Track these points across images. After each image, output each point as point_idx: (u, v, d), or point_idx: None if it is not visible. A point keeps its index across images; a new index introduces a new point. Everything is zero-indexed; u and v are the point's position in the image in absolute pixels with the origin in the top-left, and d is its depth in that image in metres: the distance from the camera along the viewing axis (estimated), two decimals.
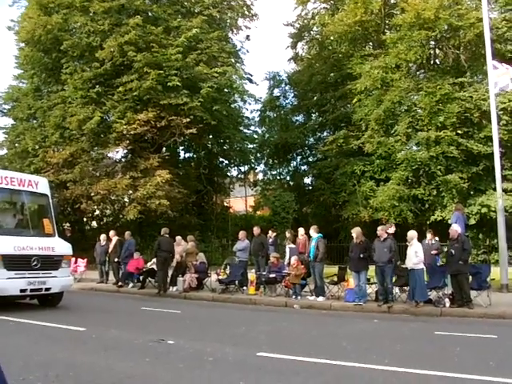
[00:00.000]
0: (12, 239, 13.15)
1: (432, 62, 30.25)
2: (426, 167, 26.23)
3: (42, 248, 13.35)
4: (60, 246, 14.19)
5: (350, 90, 29.67)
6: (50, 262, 13.45)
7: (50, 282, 13.31)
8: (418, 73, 30.26)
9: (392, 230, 15.79)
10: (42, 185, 15.06)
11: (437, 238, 16.41)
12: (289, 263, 16.73)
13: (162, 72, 26.16)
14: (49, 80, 31.52)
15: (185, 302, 16.56)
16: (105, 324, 11.34)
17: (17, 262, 12.69)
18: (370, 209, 27.46)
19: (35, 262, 12.98)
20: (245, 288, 17.47)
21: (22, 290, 12.77)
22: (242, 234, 19.02)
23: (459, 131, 25.47)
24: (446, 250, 14.75)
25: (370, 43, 34.22)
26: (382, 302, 14.19)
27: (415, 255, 13.72)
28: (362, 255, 14.41)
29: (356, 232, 15.11)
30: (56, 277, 13.51)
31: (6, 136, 33.05)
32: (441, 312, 13.29)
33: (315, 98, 36.59)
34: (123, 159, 31.72)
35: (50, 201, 15.21)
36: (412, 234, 14.35)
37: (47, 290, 13.33)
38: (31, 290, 13.03)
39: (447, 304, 13.54)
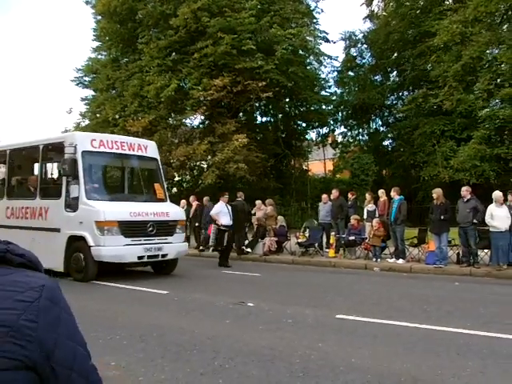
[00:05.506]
0: (127, 205, 12.94)
1: None
2: (510, 125, 24.97)
3: (157, 213, 13.00)
4: (174, 211, 13.95)
5: (429, 48, 28.52)
6: (166, 228, 13.17)
7: (166, 248, 13.06)
8: (500, 26, 28.64)
9: None
10: (151, 148, 14.56)
11: None
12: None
13: (236, 36, 26.01)
14: (126, 50, 32.15)
15: (265, 265, 16.68)
16: (187, 287, 11.65)
17: (133, 229, 12.42)
18: (450, 169, 26.51)
19: (151, 228, 12.69)
20: (327, 250, 17.46)
21: (139, 257, 12.52)
22: (324, 197, 18.93)
23: None
24: None
25: None
26: (465, 264, 13.85)
27: (508, 218, 13.23)
28: (442, 217, 14.03)
29: (436, 193, 14.69)
30: (171, 243, 13.26)
31: (88, 107, 34.08)
32: None
33: (393, 56, 35.43)
34: (201, 125, 32.11)
35: (160, 165, 14.82)
36: (501, 195, 13.70)
37: (163, 256, 13.08)
38: (148, 257, 12.74)
39: None
